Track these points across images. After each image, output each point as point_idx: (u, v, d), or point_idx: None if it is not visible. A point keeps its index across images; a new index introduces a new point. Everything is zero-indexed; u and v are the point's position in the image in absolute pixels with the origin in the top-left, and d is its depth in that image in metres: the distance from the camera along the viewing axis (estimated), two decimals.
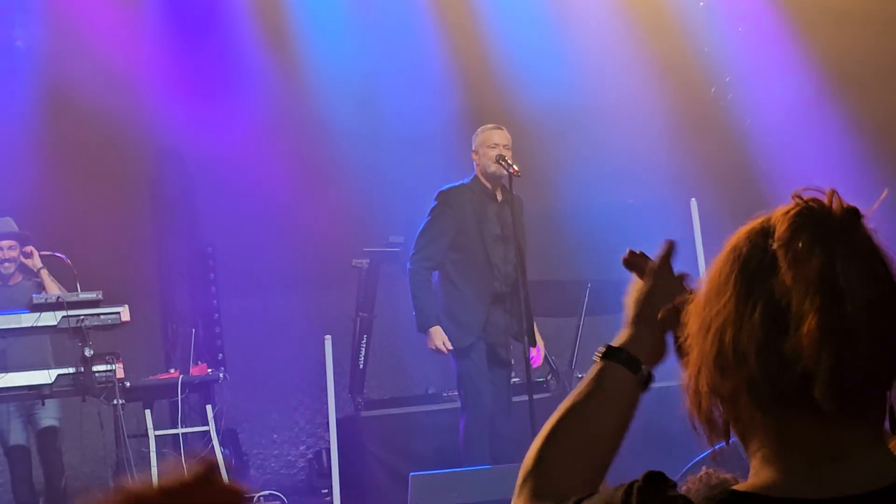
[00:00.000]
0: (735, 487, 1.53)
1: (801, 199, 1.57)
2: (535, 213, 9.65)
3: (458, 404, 8.46)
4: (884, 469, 1.51)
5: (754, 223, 1.59)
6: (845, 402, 1.48)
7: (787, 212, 1.55)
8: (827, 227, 1.53)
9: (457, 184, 8.10)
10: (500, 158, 7.83)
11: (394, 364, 11.42)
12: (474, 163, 8.05)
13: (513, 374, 8.36)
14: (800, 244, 1.51)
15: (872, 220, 1.58)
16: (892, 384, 1.52)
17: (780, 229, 1.53)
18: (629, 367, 1.82)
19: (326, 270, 10.82)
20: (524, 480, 1.75)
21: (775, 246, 1.53)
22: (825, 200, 1.57)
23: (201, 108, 10.46)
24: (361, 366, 10.22)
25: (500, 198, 8.02)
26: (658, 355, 1.85)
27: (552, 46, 10.94)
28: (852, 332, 1.47)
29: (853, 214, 1.56)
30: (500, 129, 8.04)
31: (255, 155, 10.60)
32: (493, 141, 7.93)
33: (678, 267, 1.89)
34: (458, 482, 7.04)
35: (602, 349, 1.85)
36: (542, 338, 8.24)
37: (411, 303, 8.05)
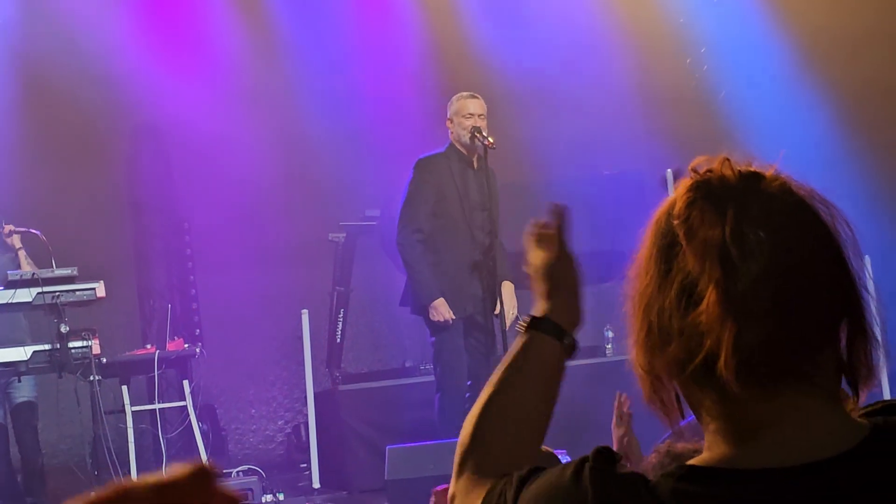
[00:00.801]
0: (690, 462, 1.51)
1: (696, 171, 1.55)
2: (510, 185, 9.63)
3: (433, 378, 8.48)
4: (837, 435, 1.49)
5: (675, 195, 1.57)
6: (781, 370, 1.46)
7: (684, 187, 1.53)
8: (722, 197, 1.50)
9: (433, 153, 8.05)
10: (475, 131, 7.80)
11: (371, 338, 11.43)
12: (449, 131, 8.00)
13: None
14: (694, 218, 1.50)
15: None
16: (826, 346, 1.50)
17: (678, 205, 1.52)
18: (555, 335, 1.83)
19: (303, 245, 10.79)
20: (462, 458, 1.75)
21: (675, 222, 1.51)
22: (722, 170, 1.54)
23: (178, 85, 10.40)
24: (339, 340, 10.22)
25: (476, 165, 7.99)
26: (577, 321, 1.88)
27: (527, 17, 10.91)
28: (751, 302, 1.45)
29: (751, 178, 1.53)
30: (475, 97, 7.97)
31: (232, 131, 10.55)
32: (469, 110, 7.88)
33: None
34: (433, 454, 7.05)
35: (526, 320, 1.85)
36: (517, 309, 8.18)
37: (409, 278, 7.93)
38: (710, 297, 1.45)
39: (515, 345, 1.83)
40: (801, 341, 1.47)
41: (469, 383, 7.87)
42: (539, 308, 1.87)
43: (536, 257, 1.92)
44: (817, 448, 1.47)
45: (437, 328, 7.86)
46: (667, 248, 1.52)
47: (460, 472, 1.74)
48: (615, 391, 4.09)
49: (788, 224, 1.50)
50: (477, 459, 1.74)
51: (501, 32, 10.78)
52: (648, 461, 3.62)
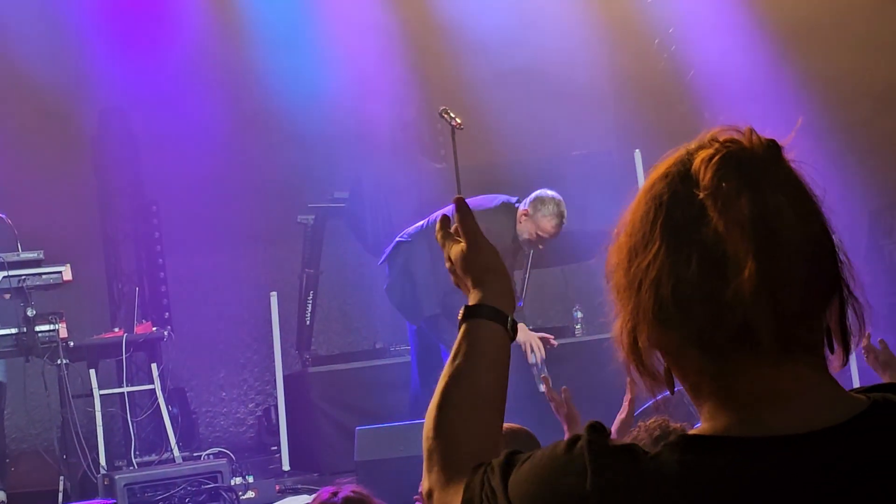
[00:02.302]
0: (690, 432, 1.52)
1: (720, 142, 1.54)
2: (479, 166, 9.65)
3: (404, 359, 8.51)
4: (837, 405, 1.51)
5: (668, 166, 1.57)
6: (789, 342, 1.48)
7: (710, 158, 1.52)
8: (751, 168, 1.51)
9: (503, 201, 7.81)
10: (443, 111, 7.77)
11: (341, 320, 11.42)
12: (523, 212, 7.69)
13: None
14: (727, 190, 1.49)
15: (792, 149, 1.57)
16: (824, 315, 1.53)
17: (706, 177, 1.51)
18: (495, 319, 1.84)
19: (272, 227, 10.77)
20: (430, 452, 1.76)
21: (702, 195, 1.50)
22: (744, 139, 1.55)
23: (144, 68, 10.35)
24: (308, 322, 10.20)
25: (516, 254, 7.87)
26: (512, 303, 1.89)
27: None
28: (788, 272, 1.47)
29: (774, 148, 1.54)
30: (560, 225, 7.68)
31: (199, 112, 10.50)
32: (546, 232, 7.67)
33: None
34: (402, 435, 7.06)
35: (462, 311, 1.86)
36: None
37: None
38: (749, 268, 1.45)
39: (459, 336, 1.84)
40: (812, 313, 1.51)
41: None
42: (472, 297, 1.88)
43: (452, 251, 1.93)
44: (819, 418, 1.48)
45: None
46: (677, 221, 1.52)
47: (430, 466, 1.75)
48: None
49: (806, 195, 1.53)
50: (444, 451, 1.74)
51: (470, 14, 10.75)
52: (632, 435, 3.64)
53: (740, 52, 10.61)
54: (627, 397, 4.41)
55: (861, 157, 10.44)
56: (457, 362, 1.81)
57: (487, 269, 1.90)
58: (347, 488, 3.77)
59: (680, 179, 1.54)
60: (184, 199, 10.58)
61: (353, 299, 11.21)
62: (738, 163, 1.51)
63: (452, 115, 7.76)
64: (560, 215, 7.66)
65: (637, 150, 9.02)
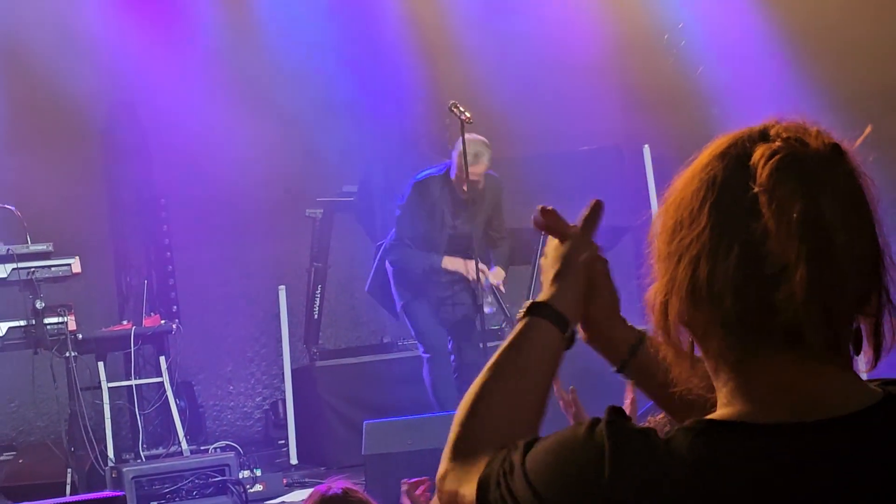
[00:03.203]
0: (708, 417, 1.53)
1: (783, 139, 1.53)
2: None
3: (412, 353, 8.55)
4: (853, 396, 1.53)
5: (727, 146, 1.55)
6: (832, 344, 1.50)
7: (771, 156, 1.51)
8: (810, 171, 1.50)
9: (430, 175, 8.15)
10: (452, 106, 7.80)
11: (349, 314, 11.42)
12: (453, 157, 8.04)
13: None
14: (782, 193, 1.48)
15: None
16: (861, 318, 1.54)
17: (763, 175, 1.49)
18: (556, 323, 1.80)
19: (280, 220, 10.77)
20: (457, 437, 1.74)
21: (757, 190, 1.49)
22: (809, 138, 1.54)
23: (154, 60, 10.34)
24: (316, 316, 10.21)
25: (466, 193, 8.03)
26: (578, 313, 1.85)
27: None
28: (839, 279, 1.48)
29: (836, 152, 1.54)
30: (482, 143, 8.01)
31: (208, 106, 10.50)
32: (467, 150, 7.85)
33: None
34: (410, 429, 7.07)
35: (528, 305, 1.83)
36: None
37: (409, 270, 8.29)
38: (801, 273, 1.45)
39: (515, 329, 1.82)
40: (853, 314, 1.52)
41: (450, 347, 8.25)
42: (543, 294, 1.84)
43: (551, 244, 1.89)
44: (834, 407, 1.50)
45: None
46: (726, 206, 1.51)
47: (453, 448, 1.73)
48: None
49: (861, 201, 1.54)
50: (470, 435, 1.73)
51: (480, 7, 10.74)
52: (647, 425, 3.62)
53: (749, 48, 10.59)
54: (628, 398, 4.40)
55: (866, 155, 10.43)
56: (504, 355, 1.78)
57: (570, 274, 1.85)
58: (340, 483, 3.77)
59: (736, 164, 1.53)
60: (192, 192, 10.59)
61: (360, 293, 11.18)
62: (798, 165, 1.50)
63: (462, 109, 7.77)
64: (482, 142, 7.98)
65: (646, 146, 9.02)
